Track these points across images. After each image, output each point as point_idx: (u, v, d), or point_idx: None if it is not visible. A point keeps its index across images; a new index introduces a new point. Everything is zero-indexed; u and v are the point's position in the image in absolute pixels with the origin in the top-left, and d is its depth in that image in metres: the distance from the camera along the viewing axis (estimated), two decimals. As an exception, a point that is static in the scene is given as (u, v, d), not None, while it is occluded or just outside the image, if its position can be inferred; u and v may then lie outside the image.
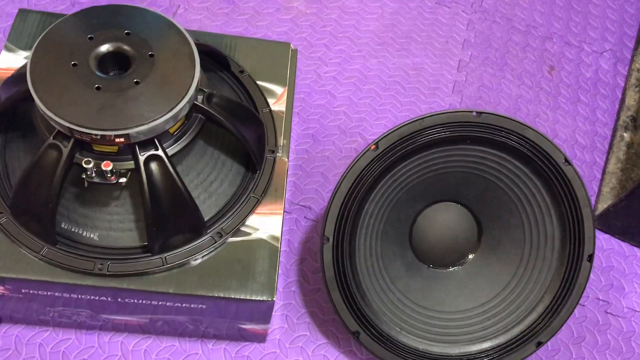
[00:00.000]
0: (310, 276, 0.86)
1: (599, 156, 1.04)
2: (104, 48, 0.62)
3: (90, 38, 0.62)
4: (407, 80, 1.07)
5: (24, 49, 0.76)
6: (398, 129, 0.72)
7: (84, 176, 0.61)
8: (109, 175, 0.60)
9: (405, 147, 0.73)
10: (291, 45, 0.83)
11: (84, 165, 0.59)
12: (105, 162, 0.60)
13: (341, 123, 1.01)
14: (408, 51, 1.11)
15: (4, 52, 0.76)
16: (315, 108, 1.01)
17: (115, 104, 0.58)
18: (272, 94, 0.79)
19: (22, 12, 0.79)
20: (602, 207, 0.97)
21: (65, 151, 0.60)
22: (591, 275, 0.92)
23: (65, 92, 0.59)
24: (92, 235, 0.65)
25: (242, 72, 0.78)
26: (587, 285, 0.90)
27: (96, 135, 0.58)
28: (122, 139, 0.58)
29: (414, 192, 0.77)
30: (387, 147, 0.72)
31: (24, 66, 0.72)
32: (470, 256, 0.81)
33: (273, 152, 0.74)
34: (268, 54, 0.82)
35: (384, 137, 0.72)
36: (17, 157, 0.68)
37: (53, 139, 0.60)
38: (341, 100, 1.03)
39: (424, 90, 1.07)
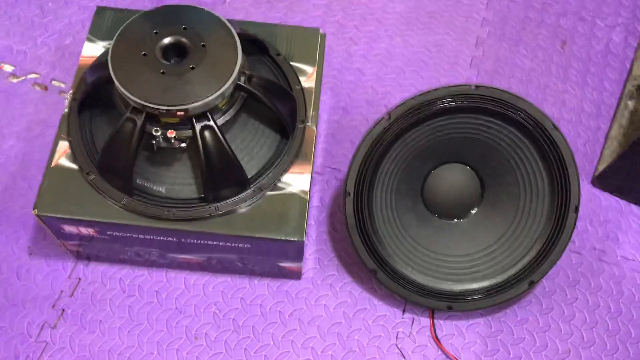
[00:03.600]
0: (339, 227, 1.02)
1: (603, 123, 1.15)
2: (167, 41, 0.78)
3: (156, 33, 0.78)
4: (428, 57, 1.20)
5: (102, 39, 0.94)
6: (407, 101, 0.86)
7: (154, 142, 0.78)
8: (172, 141, 0.77)
9: (413, 116, 0.87)
10: (320, 30, 0.98)
11: (154, 133, 0.76)
12: (169, 130, 0.77)
13: (368, 96, 1.15)
14: (430, 29, 1.23)
15: (86, 43, 0.94)
16: (345, 83, 1.16)
17: (176, 85, 0.75)
18: (303, 72, 0.94)
19: (99, 10, 0.97)
20: (602, 168, 1.08)
21: (139, 122, 0.77)
22: (589, 227, 1.05)
23: (138, 76, 0.75)
24: (160, 189, 0.83)
25: (278, 54, 0.93)
26: (585, 236, 1.03)
27: (163, 109, 0.74)
28: (182, 113, 0.75)
29: (423, 154, 0.91)
30: (398, 117, 0.87)
31: (104, 55, 0.90)
32: (474, 210, 0.95)
33: (303, 122, 0.89)
34: (300, 38, 0.96)
35: (396, 108, 0.87)
36: (100, 128, 0.86)
37: (130, 113, 0.77)
38: (369, 76, 1.17)
39: (444, 65, 1.19)
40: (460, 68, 1.19)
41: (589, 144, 1.12)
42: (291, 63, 0.94)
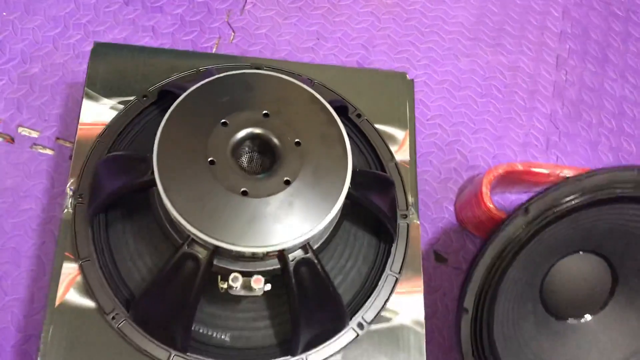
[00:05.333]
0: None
1: None
2: (243, 137, 0.51)
3: (224, 124, 0.51)
4: (503, 83, 0.97)
5: (106, 95, 0.65)
6: (552, 192, 0.64)
7: (225, 286, 0.52)
8: (256, 290, 0.52)
9: (558, 210, 0.64)
10: (407, 76, 0.73)
11: (231, 283, 0.50)
12: (256, 278, 0.51)
13: (437, 138, 0.91)
14: (502, 46, 0.99)
15: (85, 102, 0.65)
16: (407, 121, 0.91)
17: (266, 213, 0.49)
18: (392, 139, 0.69)
19: (97, 47, 0.67)
20: None
21: (204, 261, 0.51)
22: None
23: (206, 200, 0.49)
24: (223, 337, 0.57)
25: (359, 115, 0.68)
26: None
27: (248, 252, 0.48)
28: (275, 253, 0.49)
29: (552, 249, 0.69)
30: (538, 213, 0.64)
31: (116, 125, 0.62)
32: (603, 308, 0.75)
33: (405, 216, 0.65)
34: (381, 87, 0.71)
35: (536, 201, 0.64)
36: (124, 242, 0.59)
37: (188, 247, 0.51)
38: (434, 110, 0.93)
39: (522, 94, 0.96)
40: (542, 97, 0.97)
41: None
42: (375, 126, 0.68)
